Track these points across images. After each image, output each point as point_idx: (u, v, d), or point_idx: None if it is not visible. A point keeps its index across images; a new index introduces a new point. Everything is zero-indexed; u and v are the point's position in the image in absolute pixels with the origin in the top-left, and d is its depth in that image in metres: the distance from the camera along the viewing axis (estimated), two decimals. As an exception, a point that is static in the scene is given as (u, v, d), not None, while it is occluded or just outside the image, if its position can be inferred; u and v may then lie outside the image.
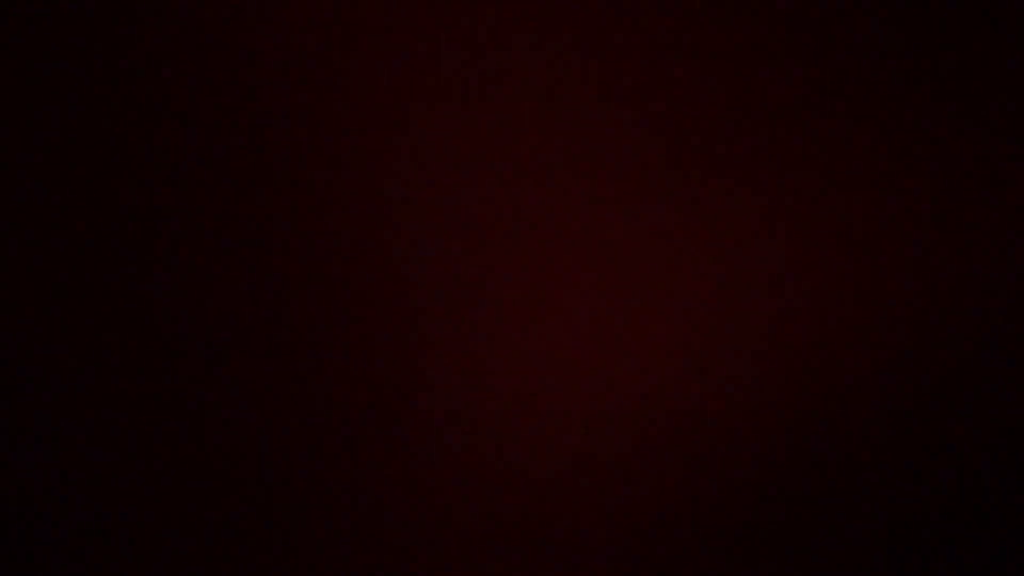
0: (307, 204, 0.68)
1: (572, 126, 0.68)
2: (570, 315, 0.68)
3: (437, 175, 0.68)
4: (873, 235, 0.68)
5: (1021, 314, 0.68)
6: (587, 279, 0.68)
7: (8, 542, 0.67)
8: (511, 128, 0.68)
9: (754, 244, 0.68)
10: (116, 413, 0.67)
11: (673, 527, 0.67)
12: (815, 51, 0.68)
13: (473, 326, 0.68)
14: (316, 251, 0.68)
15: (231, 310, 0.67)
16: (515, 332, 0.68)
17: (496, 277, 0.68)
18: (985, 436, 0.67)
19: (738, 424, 0.67)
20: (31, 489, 0.67)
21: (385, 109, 0.68)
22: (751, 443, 0.67)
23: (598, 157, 0.68)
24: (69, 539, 0.67)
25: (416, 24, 0.68)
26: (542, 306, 0.68)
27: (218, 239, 0.68)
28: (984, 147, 0.68)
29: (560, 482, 0.67)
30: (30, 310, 0.68)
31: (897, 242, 0.68)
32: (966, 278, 0.68)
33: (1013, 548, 0.67)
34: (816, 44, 0.68)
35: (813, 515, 0.67)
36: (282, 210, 0.68)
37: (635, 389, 0.67)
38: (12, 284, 0.68)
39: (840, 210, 0.68)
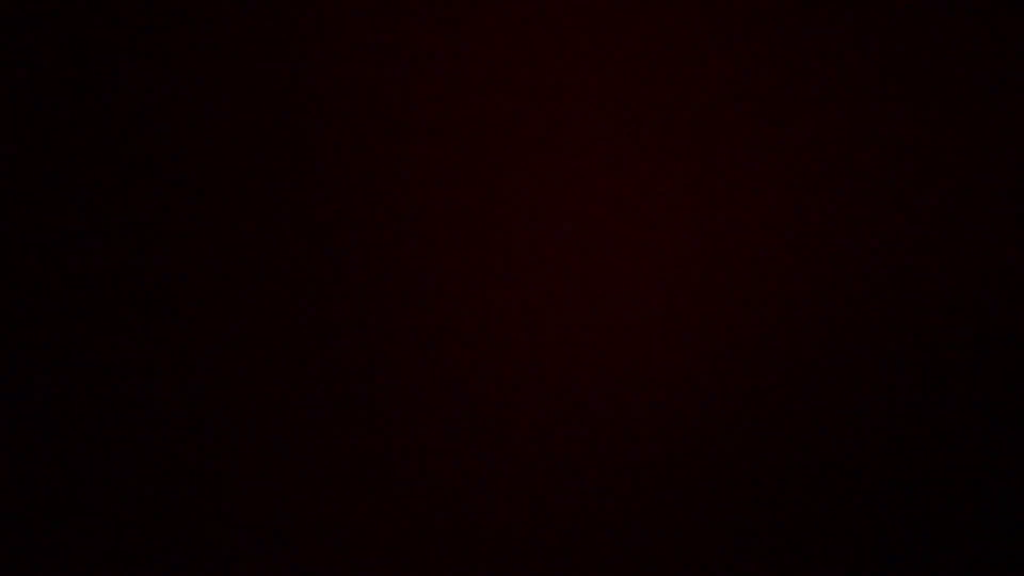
0: (309, 202, 0.68)
1: (570, 126, 0.68)
2: (566, 311, 0.68)
3: (437, 172, 0.68)
4: (870, 232, 0.68)
5: (1019, 311, 0.68)
6: (584, 276, 0.68)
7: (8, 542, 0.67)
8: (510, 128, 0.68)
9: (751, 241, 0.68)
10: (120, 410, 0.68)
11: (670, 523, 0.67)
12: (811, 51, 0.69)
13: (468, 322, 0.68)
14: (317, 249, 0.68)
15: (232, 306, 0.67)
16: (511, 330, 0.68)
17: (491, 274, 0.68)
18: (983, 433, 0.68)
19: (735, 421, 0.67)
20: (31, 489, 0.67)
21: (387, 108, 0.68)
22: (747, 440, 0.67)
23: (595, 156, 0.68)
24: (69, 539, 0.67)
25: (419, 23, 0.68)
26: (539, 304, 0.68)
27: (220, 237, 0.68)
28: (983, 147, 0.68)
29: (557, 479, 0.67)
30: (32, 310, 0.68)
31: (895, 239, 0.68)
32: (964, 276, 0.68)
33: (1011, 547, 0.68)
34: (812, 44, 0.69)
35: (811, 512, 0.67)
36: (285, 209, 0.68)
37: (632, 385, 0.67)
38: (12, 284, 0.68)
39: (837, 208, 0.68)
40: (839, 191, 0.68)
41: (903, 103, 0.68)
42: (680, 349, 0.68)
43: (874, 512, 0.67)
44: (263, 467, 0.67)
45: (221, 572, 0.67)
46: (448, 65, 0.68)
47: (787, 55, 0.68)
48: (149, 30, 0.68)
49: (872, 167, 0.68)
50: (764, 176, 0.68)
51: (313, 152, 0.68)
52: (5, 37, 0.68)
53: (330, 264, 0.68)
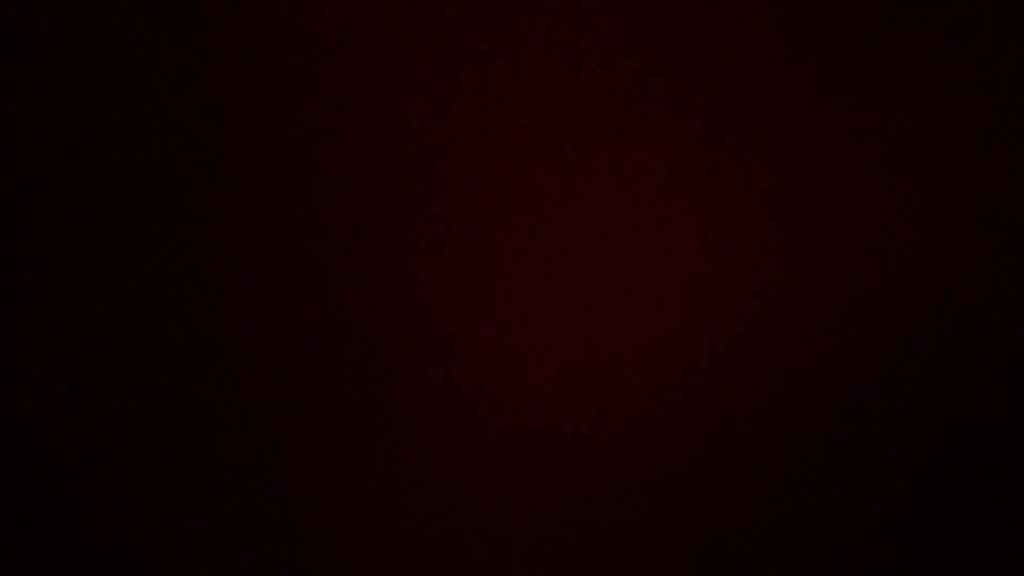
0: (312, 204, 0.68)
1: (575, 126, 0.68)
2: (572, 312, 0.68)
3: (443, 173, 0.68)
4: (874, 234, 0.68)
5: (1019, 312, 0.68)
6: (590, 278, 0.68)
7: (8, 542, 0.67)
8: (515, 128, 0.68)
9: (756, 243, 0.68)
10: (123, 411, 0.67)
11: (673, 525, 0.68)
12: (816, 50, 0.69)
13: (475, 327, 0.68)
14: (321, 250, 0.68)
15: (236, 307, 0.67)
16: (517, 330, 0.68)
17: (495, 275, 0.68)
18: (984, 435, 0.68)
19: (740, 424, 0.67)
20: (31, 489, 0.67)
21: (391, 108, 0.68)
22: (751, 443, 0.67)
23: (602, 157, 0.68)
24: (70, 539, 0.67)
25: (424, 23, 0.68)
26: (544, 305, 0.68)
27: (225, 238, 0.68)
28: (984, 147, 0.68)
29: (563, 480, 0.68)
30: (33, 311, 0.68)
31: (899, 241, 0.68)
32: (968, 278, 0.68)
33: (1012, 547, 0.68)
34: (817, 43, 0.69)
35: (813, 514, 0.67)
36: (289, 210, 0.68)
37: (636, 387, 0.67)
38: (12, 285, 0.68)
39: (841, 209, 0.68)
40: (843, 195, 0.68)
41: (905, 103, 0.69)
42: (689, 355, 0.68)
43: (881, 519, 0.67)
44: (270, 468, 0.67)
45: (230, 572, 0.67)
46: (457, 67, 0.68)
47: (793, 59, 0.68)
48: (147, 29, 0.68)
49: (876, 169, 0.68)
50: (767, 179, 0.68)
51: (328, 155, 0.68)
52: (6, 37, 0.68)
53: (340, 266, 0.68)
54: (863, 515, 0.67)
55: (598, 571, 0.67)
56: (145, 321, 0.67)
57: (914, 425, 0.68)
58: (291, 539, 0.67)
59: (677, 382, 0.67)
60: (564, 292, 0.68)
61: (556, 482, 0.67)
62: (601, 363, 0.67)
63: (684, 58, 0.68)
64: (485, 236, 0.68)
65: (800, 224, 0.68)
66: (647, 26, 0.68)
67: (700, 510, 0.67)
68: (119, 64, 0.68)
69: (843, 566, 0.67)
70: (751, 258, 0.68)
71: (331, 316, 0.67)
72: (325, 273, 0.68)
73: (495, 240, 0.68)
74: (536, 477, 0.67)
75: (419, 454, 0.67)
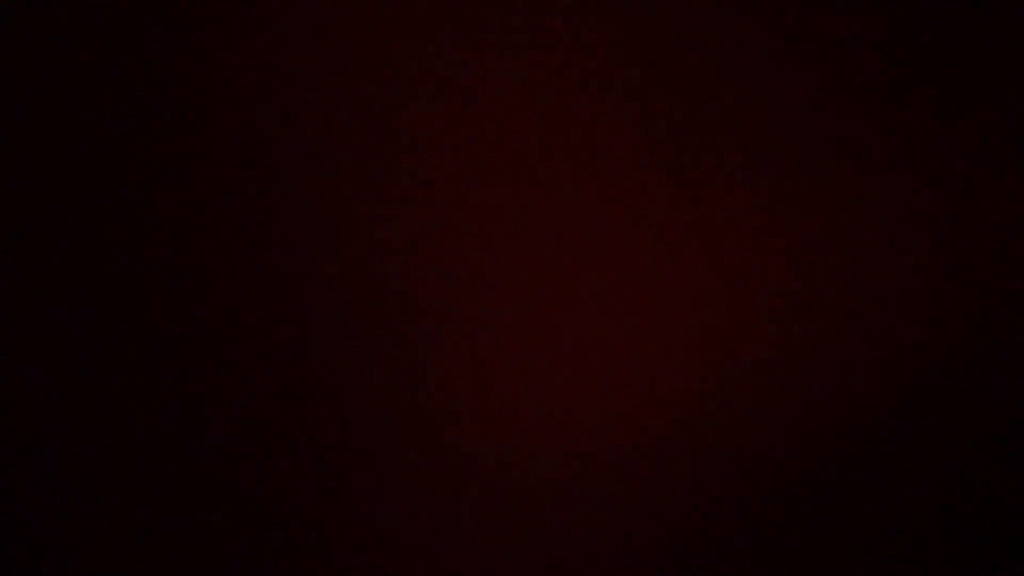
0: (307, 203, 0.68)
1: (574, 126, 0.68)
2: (571, 315, 0.68)
3: (439, 175, 0.68)
4: (874, 237, 0.68)
5: (1020, 315, 0.68)
6: (588, 280, 0.68)
7: (8, 542, 0.67)
8: (513, 128, 0.68)
9: (756, 245, 0.68)
10: (119, 413, 0.68)
11: (674, 528, 0.68)
12: (816, 52, 0.69)
13: (474, 327, 0.68)
14: (317, 251, 0.68)
15: (232, 309, 0.68)
16: (516, 333, 0.68)
17: (497, 278, 0.68)
18: (985, 437, 0.68)
19: (738, 426, 0.67)
20: (31, 489, 0.67)
21: (385, 108, 0.68)
22: (751, 445, 0.67)
23: (601, 157, 0.68)
24: (69, 539, 0.68)
25: (417, 22, 0.68)
26: (543, 307, 0.68)
27: (218, 239, 0.68)
28: (984, 148, 0.68)
29: (560, 482, 0.68)
30: (31, 311, 0.68)
31: (898, 244, 0.68)
32: (968, 280, 0.68)
33: (1013, 548, 0.68)
34: (817, 45, 0.69)
35: (813, 516, 0.67)
36: (282, 210, 0.68)
37: (635, 390, 0.67)
38: (12, 284, 0.68)
39: (841, 212, 0.68)
40: (843, 197, 0.68)
41: (904, 106, 0.69)
42: (688, 357, 0.68)
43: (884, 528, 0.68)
44: (263, 470, 0.67)
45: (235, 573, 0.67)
46: (451, 66, 0.68)
47: (787, 57, 0.68)
48: (148, 28, 0.68)
49: (876, 172, 0.68)
50: (766, 181, 0.68)
51: (315, 152, 0.68)
52: (6, 37, 0.68)
53: (337, 265, 0.68)
54: (864, 523, 0.68)
55: (600, 572, 0.68)
56: (147, 319, 0.67)
57: (917, 431, 0.68)
58: (291, 540, 0.67)
59: (676, 390, 0.67)
60: (561, 298, 0.68)
61: (549, 489, 0.68)
62: (598, 369, 0.68)
63: (687, 61, 0.68)
64: (488, 243, 0.68)
65: (802, 231, 0.68)
66: (650, 27, 0.68)
67: (698, 521, 0.67)
68: (118, 63, 0.68)
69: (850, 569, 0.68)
70: (753, 266, 0.68)
71: (329, 315, 0.68)
72: (318, 276, 0.68)
73: (498, 248, 0.68)
74: (529, 484, 0.68)
75: (410, 460, 0.67)
